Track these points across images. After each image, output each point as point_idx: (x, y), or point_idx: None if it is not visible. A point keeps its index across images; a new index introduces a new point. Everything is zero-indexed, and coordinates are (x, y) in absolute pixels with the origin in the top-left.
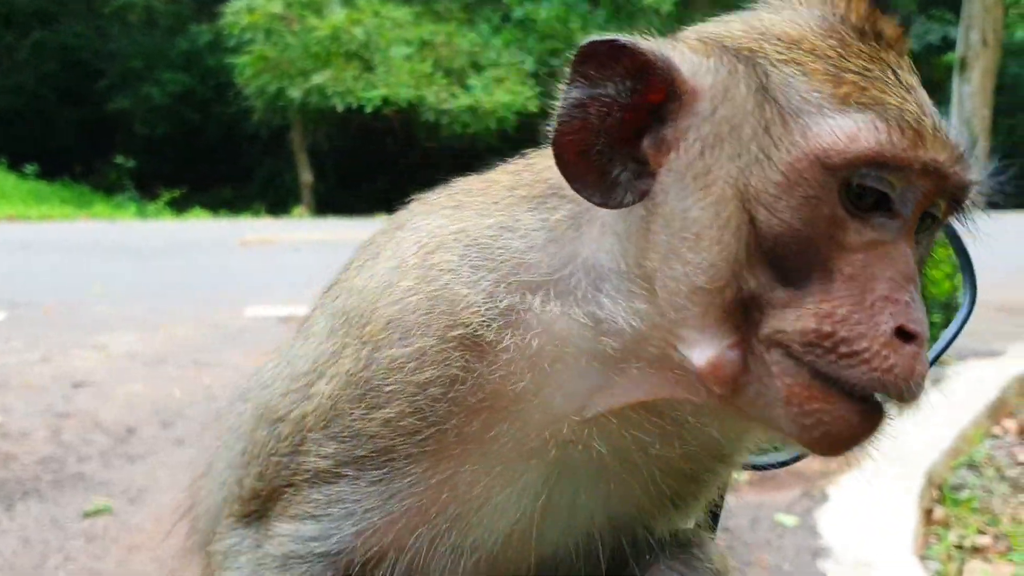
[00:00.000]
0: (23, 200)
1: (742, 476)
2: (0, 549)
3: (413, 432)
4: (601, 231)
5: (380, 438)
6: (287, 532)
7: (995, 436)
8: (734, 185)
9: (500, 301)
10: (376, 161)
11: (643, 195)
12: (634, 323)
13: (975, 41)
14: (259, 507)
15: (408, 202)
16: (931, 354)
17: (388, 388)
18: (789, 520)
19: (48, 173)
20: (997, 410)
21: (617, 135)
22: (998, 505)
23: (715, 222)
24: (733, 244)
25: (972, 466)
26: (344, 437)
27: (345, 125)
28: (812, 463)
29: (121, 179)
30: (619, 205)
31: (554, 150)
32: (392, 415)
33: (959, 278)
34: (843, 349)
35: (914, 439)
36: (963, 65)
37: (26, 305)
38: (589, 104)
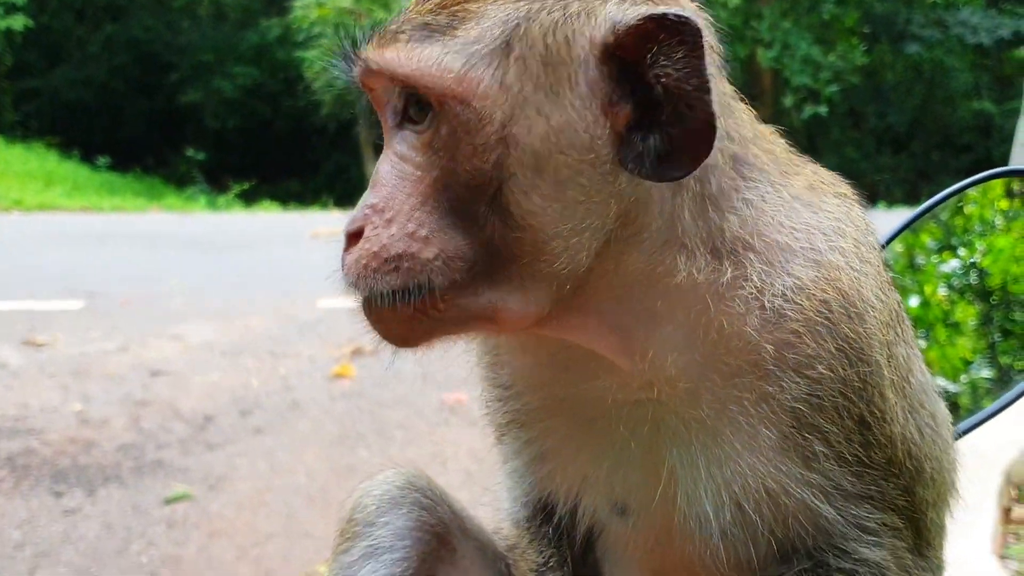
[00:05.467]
0: (96, 191)
1: None
2: (83, 533)
3: None
4: None
5: None
6: None
7: None
8: None
9: None
10: None
11: None
12: None
13: None
14: None
15: None
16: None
17: None
18: None
19: (120, 165)
20: None
21: None
22: None
23: None
24: None
25: None
26: None
27: None
28: None
29: (191, 171)
30: None
31: None
32: None
33: None
34: None
35: (990, 437)
36: None
37: (103, 295)
38: None
